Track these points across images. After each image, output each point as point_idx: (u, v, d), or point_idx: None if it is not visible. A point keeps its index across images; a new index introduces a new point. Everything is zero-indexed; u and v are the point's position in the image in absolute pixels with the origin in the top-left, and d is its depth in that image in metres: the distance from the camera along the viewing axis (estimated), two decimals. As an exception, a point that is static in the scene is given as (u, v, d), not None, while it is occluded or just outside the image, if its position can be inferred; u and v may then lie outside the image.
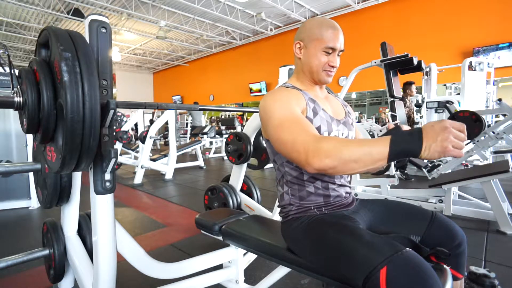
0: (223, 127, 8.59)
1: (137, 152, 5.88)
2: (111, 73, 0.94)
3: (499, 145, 4.05)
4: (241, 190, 2.17)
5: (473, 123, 2.61)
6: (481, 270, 1.16)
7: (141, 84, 15.86)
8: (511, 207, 2.44)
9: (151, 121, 9.25)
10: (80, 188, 1.27)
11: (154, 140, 4.71)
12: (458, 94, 5.90)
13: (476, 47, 6.31)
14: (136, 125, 6.22)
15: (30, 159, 1.43)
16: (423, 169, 3.07)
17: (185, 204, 3.11)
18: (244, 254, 1.42)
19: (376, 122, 11.69)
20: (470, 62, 4.43)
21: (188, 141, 9.15)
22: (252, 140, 2.07)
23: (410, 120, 4.46)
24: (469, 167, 3.52)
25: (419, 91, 4.96)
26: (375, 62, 3.27)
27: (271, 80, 10.24)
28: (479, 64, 4.47)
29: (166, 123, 4.73)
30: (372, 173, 3.19)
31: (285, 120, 0.81)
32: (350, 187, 1.01)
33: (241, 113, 10.53)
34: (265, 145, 2.22)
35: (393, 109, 3.44)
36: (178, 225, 2.45)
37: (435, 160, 3.11)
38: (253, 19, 9.07)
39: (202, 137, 7.05)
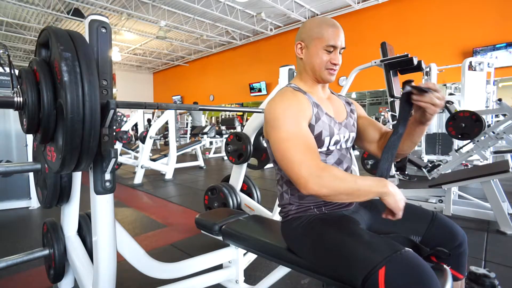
0: (223, 127, 8.59)
1: (137, 152, 5.88)
2: (111, 73, 0.94)
3: (499, 145, 4.05)
4: (241, 190, 2.17)
5: (473, 123, 2.61)
6: (481, 270, 1.16)
7: (141, 84, 15.86)
8: (511, 207, 2.44)
9: (149, 121, 9.25)
10: (80, 188, 1.27)
11: (154, 140, 4.71)
12: (451, 94, 5.90)
13: (476, 47, 6.30)
14: (136, 125, 6.21)
15: (30, 159, 1.43)
16: (423, 169, 3.07)
17: (185, 204, 3.11)
18: (244, 254, 1.42)
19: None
20: (470, 62, 4.42)
21: (188, 141, 9.15)
22: (252, 140, 2.07)
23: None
24: (469, 167, 3.52)
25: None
26: (375, 62, 3.26)
27: (271, 80, 10.24)
28: (479, 64, 4.47)
29: (166, 123, 4.73)
30: (372, 174, 3.18)
31: (292, 136, 0.82)
32: None
33: (241, 113, 10.52)
34: (265, 145, 2.22)
35: (393, 109, 3.43)
36: (178, 225, 2.45)
37: (435, 160, 3.11)
38: (253, 19, 9.07)
39: (202, 137, 7.05)
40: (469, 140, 2.79)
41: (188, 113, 9.50)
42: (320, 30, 0.91)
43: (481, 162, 3.75)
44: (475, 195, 2.86)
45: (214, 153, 7.39)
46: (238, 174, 2.14)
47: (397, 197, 0.75)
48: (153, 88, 16.61)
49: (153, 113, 11.25)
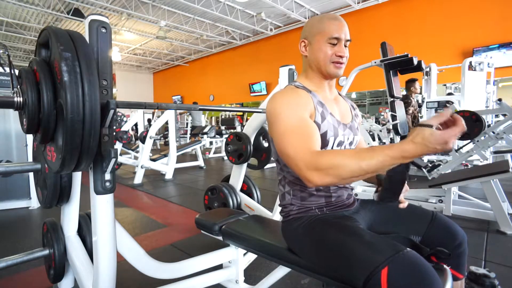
0: (223, 127, 8.59)
1: (137, 152, 5.88)
2: (111, 73, 0.94)
3: (499, 145, 4.04)
4: (241, 190, 2.17)
5: (473, 123, 2.60)
6: (481, 270, 1.16)
7: (141, 84, 15.85)
8: (511, 207, 2.43)
9: (149, 121, 9.25)
10: (80, 188, 1.27)
11: (154, 140, 4.71)
12: (451, 94, 5.89)
13: (476, 47, 6.30)
14: (136, 125, 6.21)
15: (30, 159, 1.43)
16: (423, 169, 3.07)
17: (185, 204, 3.11)
18: (244, 254, 1.42)
19: (376, 122, 11.68)
20: (470, 62, 4.42)
21: (188, 141, 9.15)
22: (252, 140, 2.06)
23: (416, 120, 4.39)
24: (469, 167, 3.52)
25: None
26: (375, 62, 3.26)
27: (271, 80, 10.23)
28: (479, 64, 4.46)
29: (166, 123, 4.73)
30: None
31: (289, 128, 0.81)
32: (352, 188, 1.01)
33: (241, 113, 10.52)
34: (265, 145, 2.22)
35: (393, 109, 3.43)
36: (178, 225, 2.45)
37: (435, 160, 3.11)
38: (253, 19, 9.07)
39: (202, 137, 7.05)
40: (469, 140, 2.79)
41: (188, 113, 9.51)
42: (322, 24, 0.90)
43: (481, 162, 3.75)
44: (475, 195, 2.86)
45: (214, 153, 7.39)
46: (238, 174, 2.14)
47: (429, 142, 0.62)
48: (153, 88, 16.61)
49: (153, 113, 11.25)
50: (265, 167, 2.03)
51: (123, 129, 4.88)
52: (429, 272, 0.63)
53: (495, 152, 3.55)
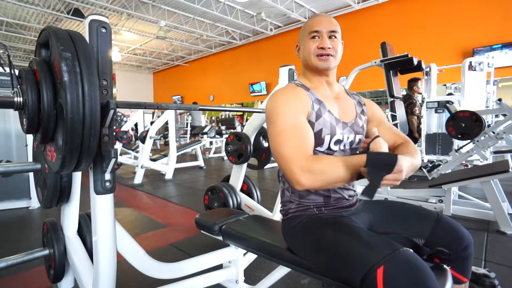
0: (223, 127, 8.59)
1: (137, 152, 5.88)
2: (111, 73, 0.94)
3: (499, 145, 4.04)
4: (241, 190, 2.17)
5: (473, 123, 2.60)
6: (481, 270, 1.16)
7: (141, 84, 15.85)
8: (511, 207, 2.43)
9: (152, 124, 9.24)
10: (80, 188, 1.27)
11: (154, 140, 4.71)
12: (451, 94, 5.89)
13: (476, 47, 6.30)
14: (136, 125, 6.22)
15: (30, 159, 1.43)
16: (423, 169, 3.07)
17: (185, 204, 3.11)
18: (244, 254, 1.42)
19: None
20: (470, 62, 4.42)
21: (188, 141, 9.15)
22: (252, 140, 2.06)
23: (418, 120, 4.37)
24: (469, 167, 3.52)
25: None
26: (375, 62, 3.27)
27: (271, 80, 10.23)
28: (479, 64, 4.46)
29: (166, 123, 4.74)
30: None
31: (285, 130, 0.83)
32: (354, 190, 0.99)
33: (241, 113, 10.52)
34: (265, 145, 2.22)
35: (393, 109, 3.43)
36: (178, 225, 2.45)
37: (435, 160, 3.11)
38: (253, 19, 9.07)
39: (202, 137, 7.05)
40: (469, 140, 2.79)
41: (188, 113, 9.51)
42: (305, 25, 0.94)
43: (481, 162, 3.75)
44: (475, 195, 2.86)
45: (214, 153, 7.38)
46: (238, 174, 2.14)
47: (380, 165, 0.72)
48: (153, 88, 16.61)
49: (153, 113, 11.25)
50: (265, 167, 2.03)
51: (123, 129, 4.88)
52: (425, 271, 0.62)
53: (495, 152, 3.54)
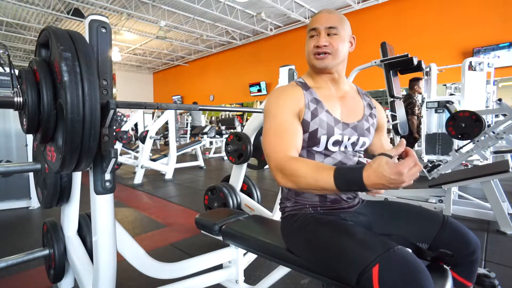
0: (223, 127, 8.59)
1: (137, 152, 5.88)
2: (111, 73, 0.94)
3: (499, 145, 4.04)
4: (241, 190, 2.17)
5: (473, 123, 2.60)
6: (481, 270, 1.16)
7: (141, 84, 15.85)
8: (511, 207, 2.44)
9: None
10: (80, 188, 1.27)
11: (154, 140, 4.71)
12: (451, 94, 5.88)
13: (476, 47, 6.30)
14: (136, 125, 6.22)
15: (30, 159, 1.43)
16: (423, 169, 3.07)
17: (185, 204, 3.11)
18: (244, 254, 1.42)
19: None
20: (470, 62, 4.42)
21: (188, 141, 9.15)
22: (252, 140, 2.06)
23: (418, 120, 4.36)
24: (469, 167, 3.52)
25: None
26: (375, 62, 3.26)
27: (271, 80, 10.23)
28: (479, 64, 4.46)
29: (166, 123, 4.74)
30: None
31: (270, 129, 0.86)
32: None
33: (240, 113, 10.53)
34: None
35: (393, 109, 3.43)
36: (178, 225, 2.45)
37: (435, 160, 3.11)
38: (253, 19, 9.06)
39: (202, 137, 7.05)
40: (469, 140, 2.78)
41: (188, 113, 9.51)
42: (309, 23, 0.94)
43: (481, 162, 3.75)
44: (475, 195, 2.86)
45: (214, 153, 7.38)
46: (238, 174, 2.14)
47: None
48: (153, 88, 16.60)
49: (153, 113, 11.25)
50: (265, 167, 2.03)
51: (123, 129, 4.88)
52: (420, 269, 0.62)
53: (495, 152, 3.54)
